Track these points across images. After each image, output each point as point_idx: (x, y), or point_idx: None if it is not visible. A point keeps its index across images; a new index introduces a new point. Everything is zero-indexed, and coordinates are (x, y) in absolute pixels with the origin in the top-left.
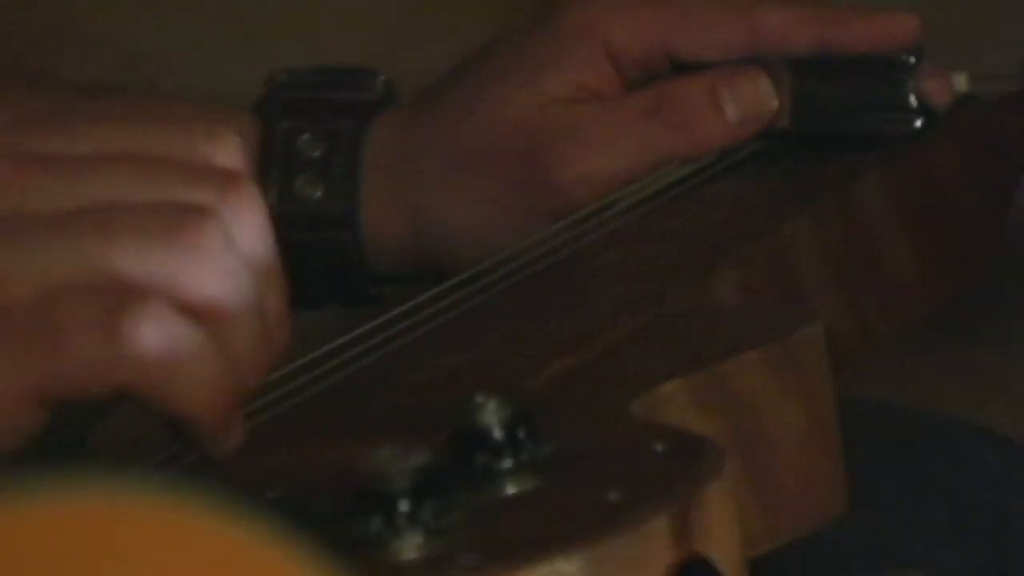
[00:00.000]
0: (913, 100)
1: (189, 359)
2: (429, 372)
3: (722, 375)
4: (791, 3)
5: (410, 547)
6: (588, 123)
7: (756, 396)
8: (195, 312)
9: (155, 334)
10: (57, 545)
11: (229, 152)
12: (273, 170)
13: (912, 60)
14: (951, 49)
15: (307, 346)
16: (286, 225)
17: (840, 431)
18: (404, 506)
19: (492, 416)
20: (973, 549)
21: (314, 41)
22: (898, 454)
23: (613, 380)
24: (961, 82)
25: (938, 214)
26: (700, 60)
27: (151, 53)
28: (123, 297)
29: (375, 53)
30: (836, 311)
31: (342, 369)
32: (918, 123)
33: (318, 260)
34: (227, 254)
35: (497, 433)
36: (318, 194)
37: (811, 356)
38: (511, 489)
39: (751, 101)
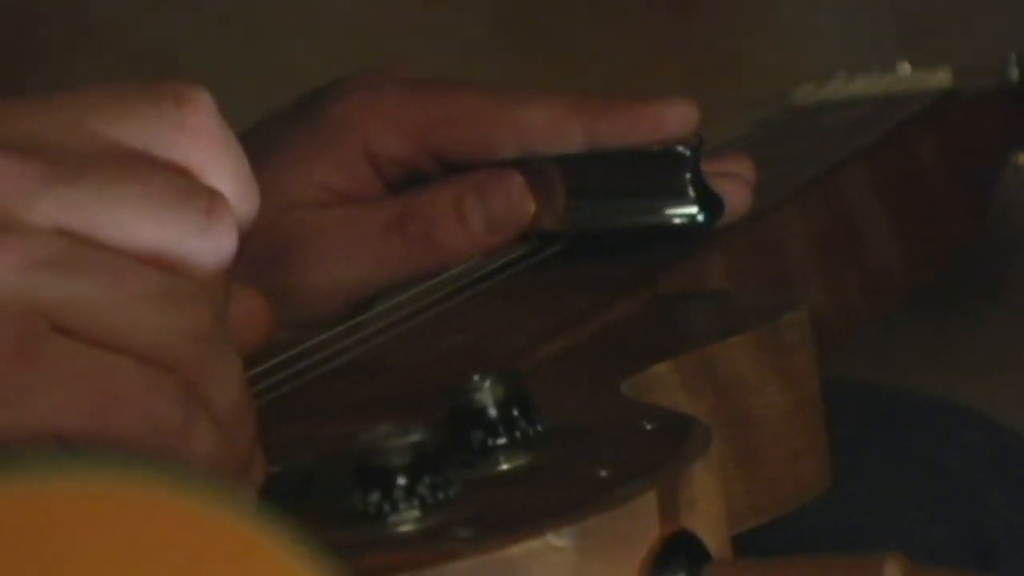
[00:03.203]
0: (691, 192)
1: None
2: (429, 353)
3: (710, 357)
4: (557, 98)
5: (407, 520)
6: (329, 233)
7: (743, 378)
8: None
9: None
10: (40, 524)
11: (201, 116)
12: None
13: (687, 152)
14: (935, 44)
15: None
16: None
17: (824, 410)
18: (402, 480)
19: (488, 395)
20: (953, 524)
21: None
22: (880, 432)
23: (605, 361)
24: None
25: (920, 203)
26: (466, 161)
27: (155, 52)
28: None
29: (377, 54)
30: (821, 295)
31: (344, 352)
32: (700, 217)
33: None
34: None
35: (492, 411)
36: None
37: (796, 339)
38: (505, 465)
39: (501, 207)
